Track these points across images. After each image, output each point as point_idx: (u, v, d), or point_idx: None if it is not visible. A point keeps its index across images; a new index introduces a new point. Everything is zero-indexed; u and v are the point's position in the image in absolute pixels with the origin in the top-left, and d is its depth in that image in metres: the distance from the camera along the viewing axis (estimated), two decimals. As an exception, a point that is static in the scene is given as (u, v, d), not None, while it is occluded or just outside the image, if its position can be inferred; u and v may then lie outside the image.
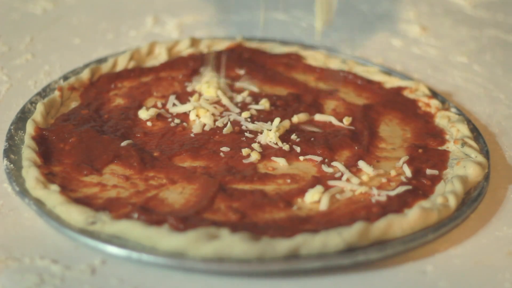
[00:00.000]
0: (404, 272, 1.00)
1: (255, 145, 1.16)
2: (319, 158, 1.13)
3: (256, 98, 1.26)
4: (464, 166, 1.12)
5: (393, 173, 1.12)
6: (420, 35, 1.53)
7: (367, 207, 1.05)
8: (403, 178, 1.11)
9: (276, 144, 1.16)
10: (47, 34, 1.46)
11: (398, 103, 1.27)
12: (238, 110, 1.22)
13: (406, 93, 1.29)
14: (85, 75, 1.28)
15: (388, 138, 1.20)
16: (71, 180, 1.08)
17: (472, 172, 1.11)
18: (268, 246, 0.97)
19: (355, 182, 1.09)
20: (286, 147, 1.16)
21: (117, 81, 1.29)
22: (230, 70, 1.32)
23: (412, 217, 1.02)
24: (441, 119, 1.23)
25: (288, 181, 1.10)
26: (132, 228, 1.00)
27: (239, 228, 1.00)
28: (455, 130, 1.20)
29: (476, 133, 1.21)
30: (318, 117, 1.23)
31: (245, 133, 1.18)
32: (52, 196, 1.04)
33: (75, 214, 1.02)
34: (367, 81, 1.32)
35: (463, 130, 1.20)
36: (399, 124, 1.23)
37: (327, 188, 1.08)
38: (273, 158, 1.14)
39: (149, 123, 1.20)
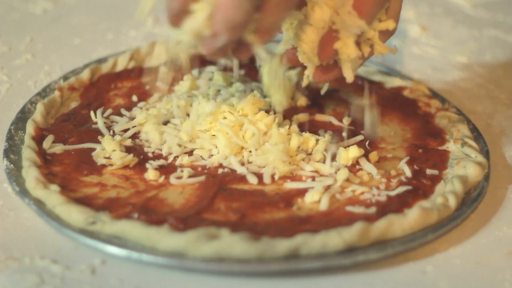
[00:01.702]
0: (404, 272, 1.00)
1: (255, 145, 1.15)
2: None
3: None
4: (464, 166, 1.12)
5: (393, 173, 1.12)
6: (420, 35, 1.53)
7: (367, 207, 1.05)
8: (403, 178, 1.11)
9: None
10: (47, 34, 1.46)
11: (398, 103, 1.27)
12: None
13: (406, 93, 1.29)
14: (85, 75, 1.28)
15: (388, 138, 1.20)
16: (71, 180, 1.08)
17: (472, 172, 1.11)
18: (268, 246, 0.97)
19: (355, 182, 1.09)
20: (286, 147, 1.16)
21: (117, 81, 1.29)
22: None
23: (412, 217, 1.02)
24: (441, 119, 1.23)
25: (288, 181, 1.10)
26: (132, 228, 1.00)
27: (239, 228, 1.00)
28: (455, 130, 1.20)
29: (476, 133, 1.21)
30: (318, 117, 1.23)
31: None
32: (52, 196, 1.04)
33: (75, 214, 1.02)
34: (367, 81, 1.32)
35: (463, 130, 1.20)
36: (399, 124, 1.23)
37: (327, 188, 1.08)
38: (273, 158, 1.14)
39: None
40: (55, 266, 0.97)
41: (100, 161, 1.10)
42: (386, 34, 1.10)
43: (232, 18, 0.94)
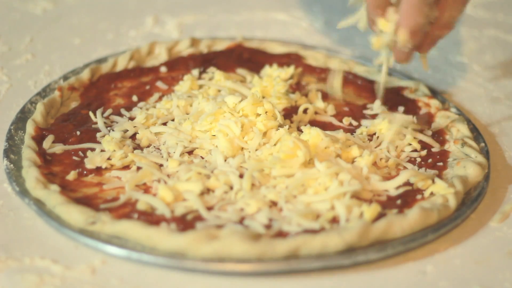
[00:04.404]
0: (404, 272, 1.00)
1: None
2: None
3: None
4: (464, 166, 1.12)
5: (393, 173, 1.12)
6: (420, 35, 1.52)
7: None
8: (403, 178, 1.11)
9: (276, 144, 1.16)
10: (47, 34, 1.46)
11: (398, 103, 1.27)
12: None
13: (406, 93, 1.29)
14: (85, 75, 1.28)
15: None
16: (71, 180, 1.08)
17: (472, 172, 1.11)
18: (268, 246, 0.97)
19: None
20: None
21: (117, 81, 1.29)
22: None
23: (412, 217, 1.02)
24: (441, 119, 1.23)
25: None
26: (132, 228, 1.00)
27: (239, 228, 1.00)
28: (455, 130, 1.20)
29: (476, 133, 1.21)
30: (318, 117, 1.22)
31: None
32: (52, 196, 1.04)
33: (75, 214, 1.02)
34: (367, 81, 1.32)
35: (463, 130, 1.20)
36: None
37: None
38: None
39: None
40: (55, 266, 0.97)
41: (92, 165, 1.10)
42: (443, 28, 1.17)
43: (415, 23, 1.07)
